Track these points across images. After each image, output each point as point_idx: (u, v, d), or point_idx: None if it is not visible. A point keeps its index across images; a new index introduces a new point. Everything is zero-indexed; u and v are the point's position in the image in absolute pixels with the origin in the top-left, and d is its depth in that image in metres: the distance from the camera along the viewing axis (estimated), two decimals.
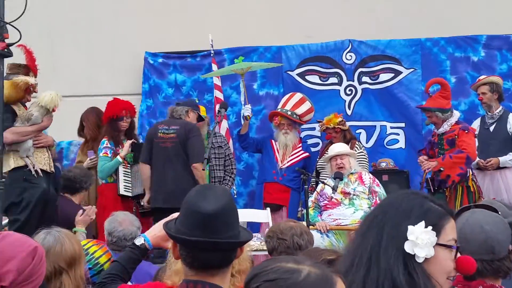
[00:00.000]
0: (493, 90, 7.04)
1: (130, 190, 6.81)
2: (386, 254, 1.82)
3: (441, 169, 6.50)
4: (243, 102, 7.58)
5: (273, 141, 7.51)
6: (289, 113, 7.35)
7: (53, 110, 5.72)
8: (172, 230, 2.16)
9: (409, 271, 1.81)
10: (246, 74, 7.73)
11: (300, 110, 7.41)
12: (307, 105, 7.46)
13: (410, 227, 1.84)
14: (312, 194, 6.71)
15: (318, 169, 7.39)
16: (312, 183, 7.03)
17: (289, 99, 7.53)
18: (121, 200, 6.75)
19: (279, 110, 7.50)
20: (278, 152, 7.42)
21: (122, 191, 6.74)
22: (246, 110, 7.40)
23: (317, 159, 7.50)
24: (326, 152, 7.07)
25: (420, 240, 1.83)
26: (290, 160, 7.37)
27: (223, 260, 2.15)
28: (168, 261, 2.74)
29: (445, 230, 1.90)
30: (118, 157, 6.68)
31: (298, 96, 7.55)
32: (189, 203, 2.15)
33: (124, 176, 6.77)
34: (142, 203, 6.74)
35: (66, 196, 6.02)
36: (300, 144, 7.52)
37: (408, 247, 1.83)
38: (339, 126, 7.30)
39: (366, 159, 7.33)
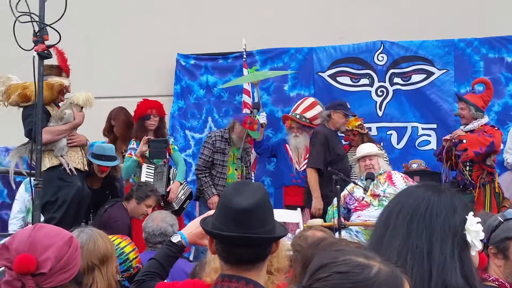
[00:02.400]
0: None
1: None
2: (442, 247, 1.73)
3: (464, 140, 6.58)
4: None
5: (287, 145, 7.53)
6: (297, 116, 7.36)
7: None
8: (209, 226, 2.18)
9: (465, 267, 1.74)
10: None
11: (310, 114, 7.39)
12: (317, 109, 7.42)
13: (468, 218, 1.76)
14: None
15: None
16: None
17: (301, 103, 7.55)
18: None
19: (290, 114, 7.55)
20: (293, 155, 7.44)
21: None
22: (262, 118, 7.43)
23: None
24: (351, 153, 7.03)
25: (480, 231, 1.76)
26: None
27: (258, 255, 2.15)
28: (207, 259, 2.76)
29: None
30: (134, 156, 6.63)
31: (310, 100, 7.55)
32: (224, 198, 2.17)
33: (146, 176, 6.69)
34: (161, 204, 6.67)
35: (126, 205, 6.04)
36: None
37: (469, 238, 1.76)
38: (357, 129, 7.29)
39: (387, 161, 7.25)
